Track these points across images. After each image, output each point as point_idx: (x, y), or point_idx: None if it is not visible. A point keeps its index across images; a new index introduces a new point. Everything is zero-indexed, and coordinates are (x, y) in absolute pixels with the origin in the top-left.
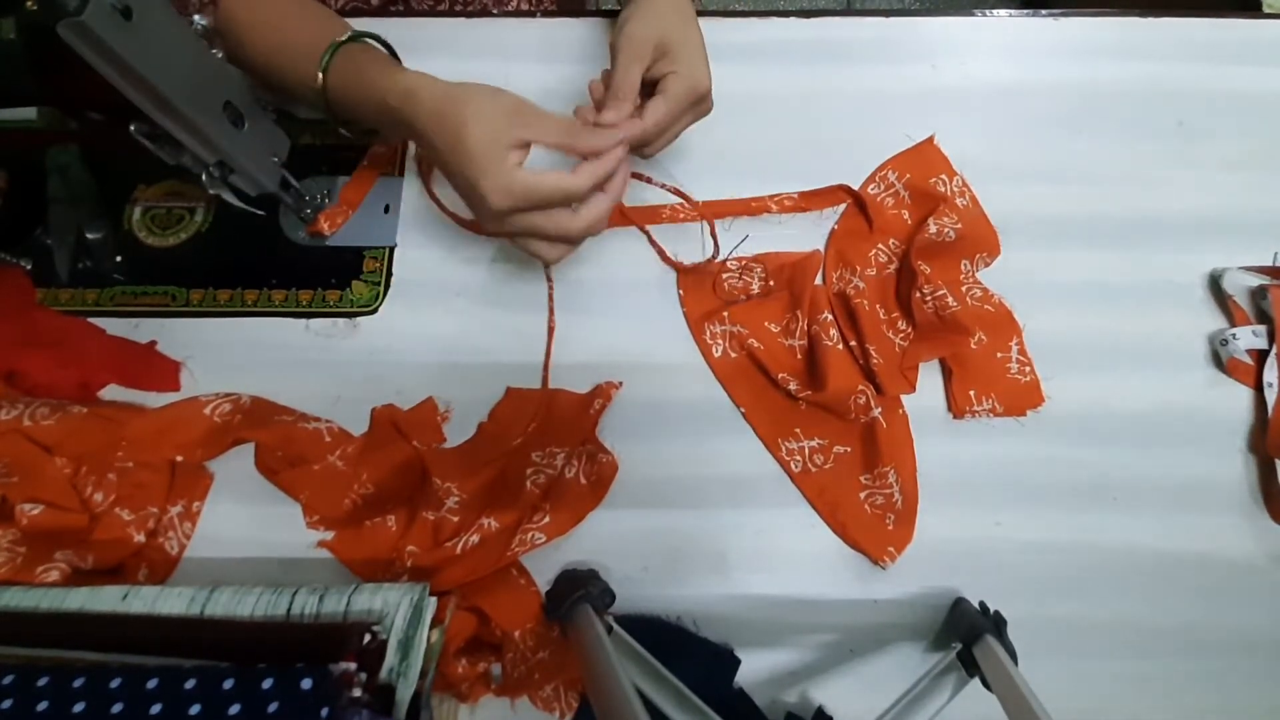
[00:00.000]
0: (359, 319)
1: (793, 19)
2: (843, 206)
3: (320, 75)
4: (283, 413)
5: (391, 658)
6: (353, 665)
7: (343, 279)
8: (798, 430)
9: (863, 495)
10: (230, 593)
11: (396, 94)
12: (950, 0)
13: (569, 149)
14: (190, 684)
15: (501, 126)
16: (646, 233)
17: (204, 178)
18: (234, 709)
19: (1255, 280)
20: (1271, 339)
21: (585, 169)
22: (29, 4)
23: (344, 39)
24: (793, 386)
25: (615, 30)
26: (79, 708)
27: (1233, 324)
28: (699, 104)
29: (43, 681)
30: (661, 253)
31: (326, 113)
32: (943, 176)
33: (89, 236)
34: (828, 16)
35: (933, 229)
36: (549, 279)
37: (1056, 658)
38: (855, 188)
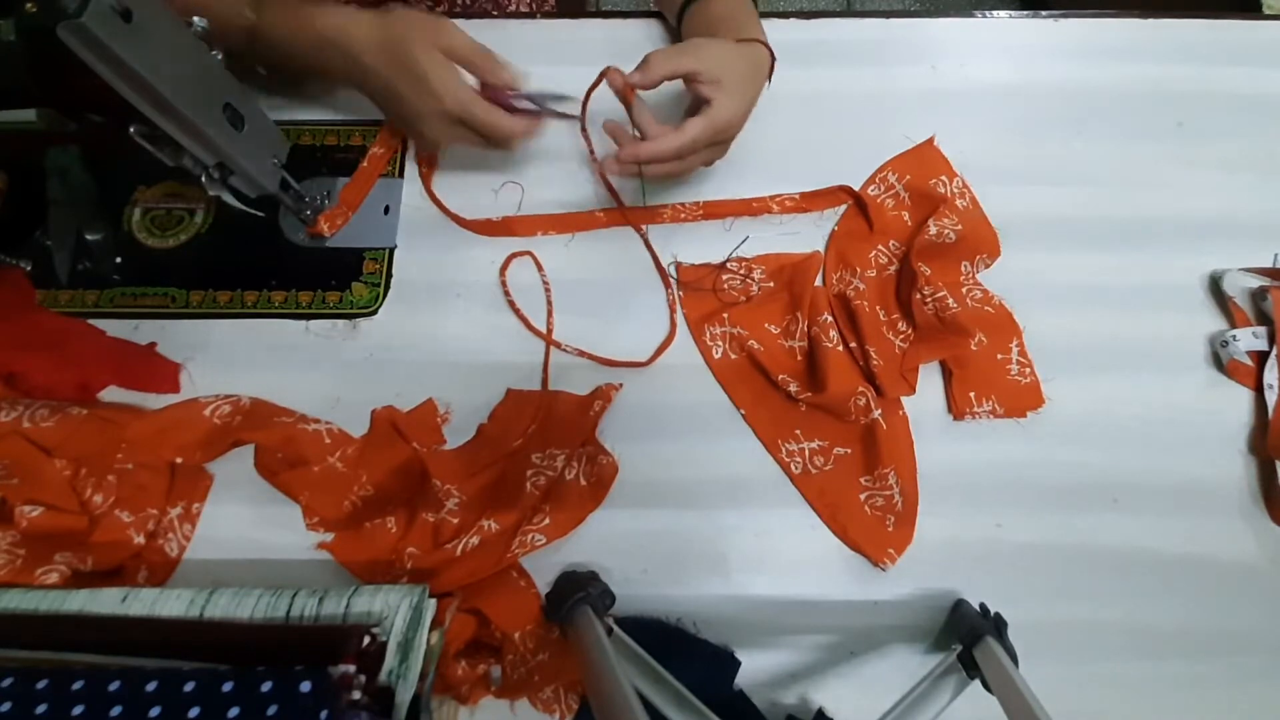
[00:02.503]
0: (359, 320)
1: (793, 20)
2: (843, 207)
3: (249, 14)
4: (282, 414)
5: (391, 660)
6: (352, 667)
7: (343, 280)
8: (798, 432)
9: (863, 497)
10: (230, 595)
11: (332, 27)
12: (950, 1)
13: (476, 70)
14: (190, 686)
15: (432, 36)
16: (643, 235)
17: (204, 179)
18: (233, 711)
19: (1255, 281)
20: (1272, 340)
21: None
22: (29, 6)
23: None
24: (793, 388)
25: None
26: (78, 710)
27: (1233, 325)
28: (721, 141)
29: (42, 684)
30: (656, 259)
31: (249, 53)
32: (943, 178)
33: (89, 238)
34: (828, 18)
35: (933, 230)
36: (546, 283)
37: (1057, 659)
38: (856, 189)
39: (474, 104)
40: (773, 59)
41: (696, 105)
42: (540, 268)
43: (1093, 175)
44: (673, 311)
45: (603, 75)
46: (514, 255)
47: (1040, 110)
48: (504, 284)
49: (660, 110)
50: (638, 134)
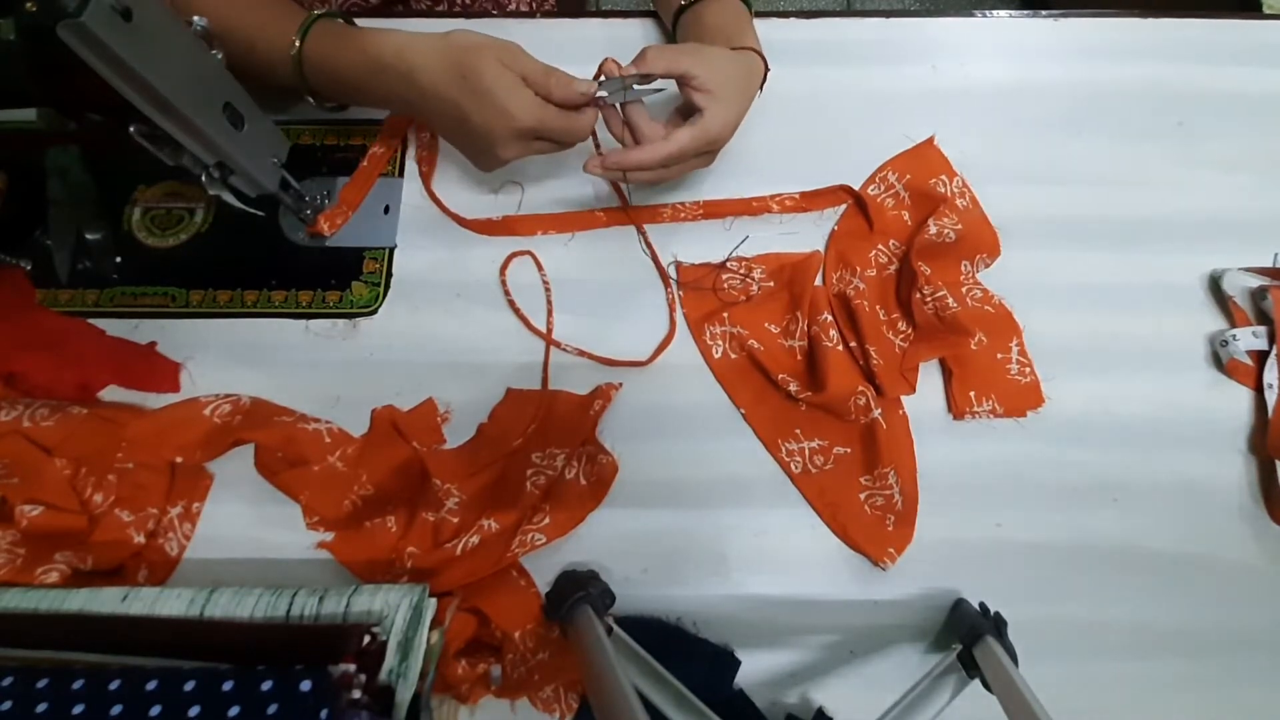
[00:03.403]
0: (359, 320)
1: (793, 19)
2: (843, 207)
3: (297, 42)
4: (282, 413)
5: (391, 659)
6: (352, 667)
7: (342, 280)
8: (798, 431)
9: (863, 496)
10: (230, 594)
11: (389, 52)
12: (950, 1)
13: (544, 91)
14: (190, 685)
15: (502, 56)
16: (643, 234)
17: (204, 179)
18: (233, 710)
19: (1255, 281)
20: (1272, 340)
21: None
22: (29, 5)
23: (320, 13)
24: (793, 387)
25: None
26: (78, 709)
27: (1233, 325)
28: (710, 150)
29: (42, 683)
30: (655, 258)
31: (298, 82)
32: (943, 177)
33: (89, 237)
34: (828, 17)
35: (933, 230)
36: (546, 283)
37: (1057, 659)
38: (855, 188)
39: (546, 112)
40: (766, 69)
41: (688, 109)
42: (540, 267)
43: (1093, 175)
44: (672, 311)
45: (601, 67)
46: (514, 255)
47: (1040, 110)
48: (504, 283)
49: (652, 107)
50: (628, 130)
